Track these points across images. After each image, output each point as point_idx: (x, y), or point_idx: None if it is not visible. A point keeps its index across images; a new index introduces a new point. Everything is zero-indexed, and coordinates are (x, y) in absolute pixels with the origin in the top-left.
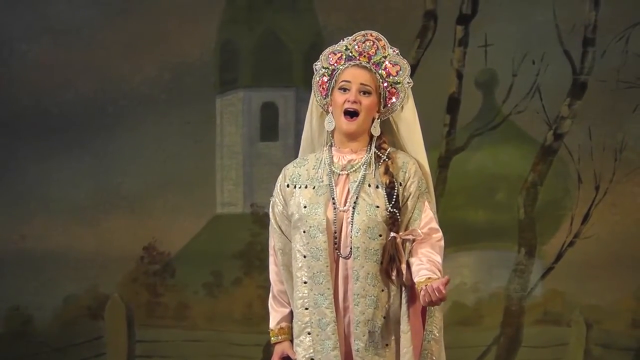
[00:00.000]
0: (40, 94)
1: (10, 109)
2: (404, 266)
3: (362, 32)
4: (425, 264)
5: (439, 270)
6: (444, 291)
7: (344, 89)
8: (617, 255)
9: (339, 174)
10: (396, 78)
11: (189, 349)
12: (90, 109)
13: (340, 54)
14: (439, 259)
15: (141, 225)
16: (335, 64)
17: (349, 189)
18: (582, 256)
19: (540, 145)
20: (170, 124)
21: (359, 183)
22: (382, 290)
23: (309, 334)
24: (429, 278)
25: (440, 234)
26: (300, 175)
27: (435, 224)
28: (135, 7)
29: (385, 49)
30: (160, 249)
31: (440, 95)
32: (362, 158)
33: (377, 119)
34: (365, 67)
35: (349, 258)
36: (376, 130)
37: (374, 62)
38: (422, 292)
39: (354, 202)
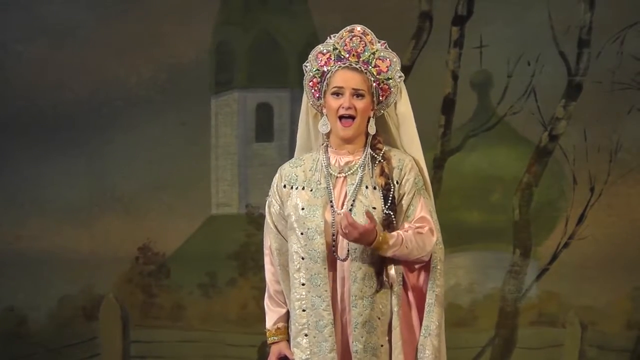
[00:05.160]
0: (35, 95)
1: (5, 110)
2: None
3: (348, 28)
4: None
5: (402, 239)
6: (348, 220)
7: (337, 94)
8: (612, 257)
9: (337, 177)
10: (387, 74)
11: (184, 350)
12: (85, 110)
13: (329, 54)
14: (410, 234)
15: (136, 225)
16: (325, 65)
17: (346, 192)
18: (577, 257)
19: (535, 146)
20: (165, 125)
21: (356, 186)
22: (378, 291)
23: (306, 335)
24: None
25: (427, 226)
26: (297, 176)
27: (426, 214)
28: (131, 9)
29: (373, 44)
30: (155, 250)
31: (435, 96)
32: (358, 159)
33: (372, 117)
34: (355, 69)
35: (346, 260)
36: (372, 129)
37: (363, 60)
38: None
39: (351, 205)
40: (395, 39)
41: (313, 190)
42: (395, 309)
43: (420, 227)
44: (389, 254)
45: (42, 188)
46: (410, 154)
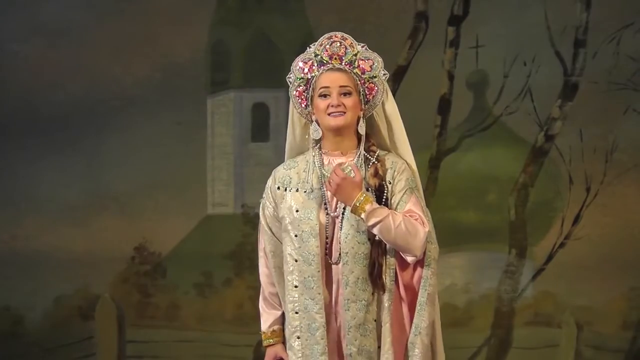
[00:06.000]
0: (31, 95)
1: (1, 109)
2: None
3: (327, 35)
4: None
5: (388, 213)
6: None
7: (325, 95)
8: (608, 257)
9: None
10: (371, 73)
11: (179, 349)
12: (81, 110)
13: (311, 61)
14: (399, 215)
15: (132, 225)
16: (309, 73)
17: None
18: (572, 257)
19: (531, 146)
20: (161, 125)
21: None
22: (373, 294)
23: (298, 338)
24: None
25: (417, 216)
26: (291, 178)
27: (417, 209)
28: (127, 8)
29: (353, 47)
30: (151, 249)
31: (431, 96)
32: (351, 160)
33: (362, 117)
34: (340, 69)
35: (338, 264)
36: (362, 129)
37: (346, 62)
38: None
39: (344, 207)
40: (391, 39)
41: (307, 192)
42: (386, 304)
43: (410, 215)
44: (371, 222)
45: (37, 187)
46: (402, 155)
